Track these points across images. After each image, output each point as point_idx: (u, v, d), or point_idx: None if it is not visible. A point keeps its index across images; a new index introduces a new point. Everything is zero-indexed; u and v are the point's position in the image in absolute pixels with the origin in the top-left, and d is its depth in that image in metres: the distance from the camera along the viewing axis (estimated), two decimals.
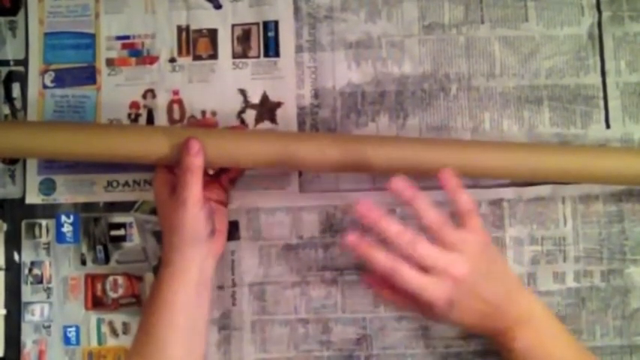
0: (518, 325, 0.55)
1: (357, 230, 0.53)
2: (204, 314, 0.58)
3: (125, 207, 0.66)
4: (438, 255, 0.53)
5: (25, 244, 0.66)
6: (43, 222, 0.66)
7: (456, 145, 0.61)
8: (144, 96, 0.67)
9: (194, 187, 0.55)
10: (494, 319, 0.55)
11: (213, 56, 0.67)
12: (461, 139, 0.65)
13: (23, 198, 0.66)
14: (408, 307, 0.57)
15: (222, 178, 0.63)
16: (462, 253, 0.53)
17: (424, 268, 0.52)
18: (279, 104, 0.66)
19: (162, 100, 0.67)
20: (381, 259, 0.53)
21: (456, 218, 0.55)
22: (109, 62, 0.68)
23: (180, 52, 0.67)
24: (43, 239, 0.66)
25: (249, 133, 0.63)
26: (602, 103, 0.65)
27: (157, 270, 0.65)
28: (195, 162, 0.56)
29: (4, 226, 0.66)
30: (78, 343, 0.65)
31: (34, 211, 0.66)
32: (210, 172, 0.62)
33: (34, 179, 0.66)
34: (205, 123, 0.65)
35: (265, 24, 0.67)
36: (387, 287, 0.56)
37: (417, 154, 0.59)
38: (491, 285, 0.54)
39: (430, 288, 0.52)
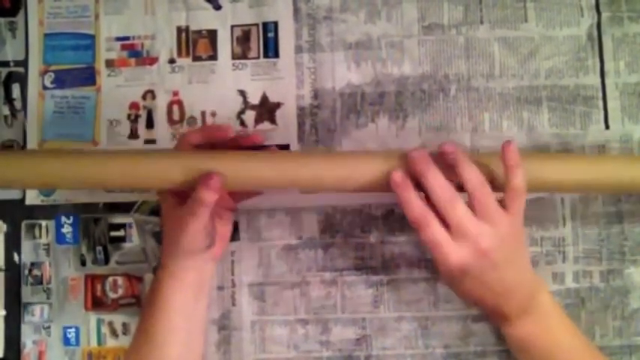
0: (522, 314, 0.55)
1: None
2: (202, 315, 0.58)
3: (125, 208, 0.66)
4: (473, 221, 0.52)
5: (25, 244, 0.66)
6: (43, 223, 0.66)
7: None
8: (144, 97, 0.67)
9: (202, 218, 0.54)
10: (500, 302, 0.55)
11: (213, 57, 0.67)
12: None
13: (23, 199, 0.66)
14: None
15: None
16: (495, 229, 0.53)
17: (453, 230, 0.52)
18: (278, 105, 0.67)
19: (161, 101, 0.67)
20: (418, 204, 0.53)
21: (503, 194, 0.54)
22: (109, 63, 0.68)
23: (179, 53, 0.67)
24: (43, 240, 0.66)
25: (266, 155, 0.58)
26: (601, 103, 0.65)
27: (156, 270, 0.65)
28: (211, 197, 0.54)
29: (4, 227, 0.66)
30: (78, 343, 0.65)
31: (34, 212, 0.66)
32: None
33: None
34: (220, 129, 0.60)
35: (265, 25, 0.67)
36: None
37: None
38: (510, 269, 0.54)
39: (452, 251, 0.52)
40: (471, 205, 0.53)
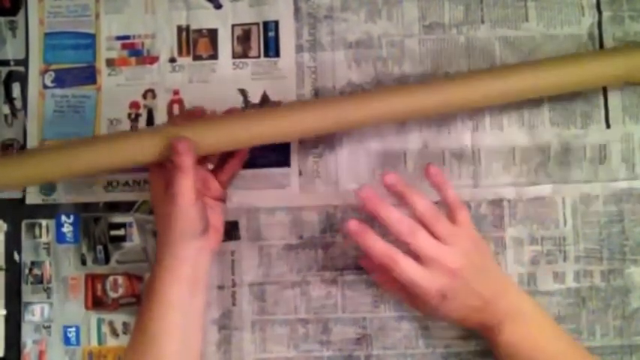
0: (507, 320, 0.55)
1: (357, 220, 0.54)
2: (199, 311, 0.58)
3: (125, 207, 0.66)
4: (436, 246, 0.53)
5: (26, 244, 0.66)
6: (43, 222, 0.66)
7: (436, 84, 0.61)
8: (144, 96, 0.67)
9: (184, 184, 0.54)
10: (484, 314, 0.55)
11: (214, 56, 0.67)
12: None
13: (23, 198, 0.66)
14: (403, 298, 0.58)
15: (220, 175, 0.62)
16: (456, 247, 0.54)
17: (421, 260, 0.53)
18: (279, 104, 0.66)
19: (162, 100, 0.67)
20: (380, 247, 0.54)
21: (446, 214, 0.56)
22: (109, 62, 0.68)
23: (180, 52, 0.67)
24: (43, 239, 0.66)
25: (234, 116, 0.61)
26: (602, 102, 0.65)
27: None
28: (184, 161, 0.54)
29: (5, 226, 0.66)
30: (78, 343, 0.65)
31: (34, 211, 0.66)
32: (210, 166, 0.62)
33: None
34: (191, 115, 0.61)
35: (265, 24, 0.67)
36: (386, 277, 0.57)
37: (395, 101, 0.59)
38: (483, 279, 0.55)
39: (425, 279, 0.53)
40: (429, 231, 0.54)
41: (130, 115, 0.67)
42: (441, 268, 0.53)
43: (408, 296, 0.58)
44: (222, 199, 0.62)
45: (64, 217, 0.66)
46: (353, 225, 0.54)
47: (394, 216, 0.54)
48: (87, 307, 0.66)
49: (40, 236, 0.66)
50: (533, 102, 0.65)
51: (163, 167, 0.58)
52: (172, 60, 0.67)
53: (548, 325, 0.57)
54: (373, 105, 0.58)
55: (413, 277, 0.53)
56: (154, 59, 0.67)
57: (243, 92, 0.67)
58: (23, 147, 0.67)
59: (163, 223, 0.57)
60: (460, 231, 0.55)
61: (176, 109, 0.67)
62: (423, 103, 0.59)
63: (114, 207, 0.66)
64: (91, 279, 0.66)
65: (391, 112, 0.59)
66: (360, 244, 0.54)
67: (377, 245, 0.54)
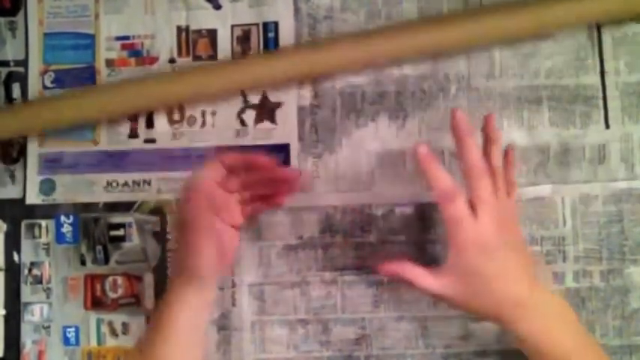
0: (524, 308, 0.53)
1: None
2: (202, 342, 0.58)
3: (125, 207, 0.66)
4: (494, 196, 0.54)
5: (25, 244, 0.66)
6: (43, 222, 0.66)
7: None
8: None
9: (204, 211, 0.55)
10: (511, 289, 0.54)
11: (213, 57, 0.67)
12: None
13: (23, 198, 0.66)
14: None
15: (245, 207, 0.61)
16: (507, 211, 0.55)
17: (475, 205, 0.53)
18: (279, 104, 0.67)
19: None
20: (445, 178, 0.53)
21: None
22: (109, 63, 0.68)
23: (179, 53, 0.67)
24: (43, 239, 0.66)
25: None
26: (601, 103, 0.65)
27: (155, 271, 0.65)
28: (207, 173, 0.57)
29: (4, 227, 0.66)
30: (77, 343, 0.65)
31: (33, 211, 0.66)
32: (238, 197, 0.60)
33: (34, 179, 0.66)
34: (286, 177, 0.62)
35: (265, 24, 0.67)
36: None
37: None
38: (510, 251, 0.54)
39: (474, 223, 0.53)
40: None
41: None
42: (491, 217, 0.53)
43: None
44: (238, 227, 0.60)
45: (63, 218, 0.66)
46: (423, 149, 0.54)
47: (473, 151, 0.54)
48: (86, 308, 0.66)
49: (40, 236, 0.66)
50: (533, 103, 0.65)
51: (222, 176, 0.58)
52: (172, 60, 0.67)
53: (568, 319, 0.55)
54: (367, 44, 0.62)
55: (461, 217, 0.53)
56: (153, 60, 0.67)
57: (242, 93, 0.67)
58: (23, 147, 0.67)
59: (180, 250, 0.57)
60: (511, 203, 0.57)
61: (176, 109, 0.67)
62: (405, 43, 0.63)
63: (113, 207, 0.66)
64: (91, 279, 0.66)
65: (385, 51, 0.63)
66: (426, 168, 0.54)
67: (443, 175, 0.53)
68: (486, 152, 0.56)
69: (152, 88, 0.64)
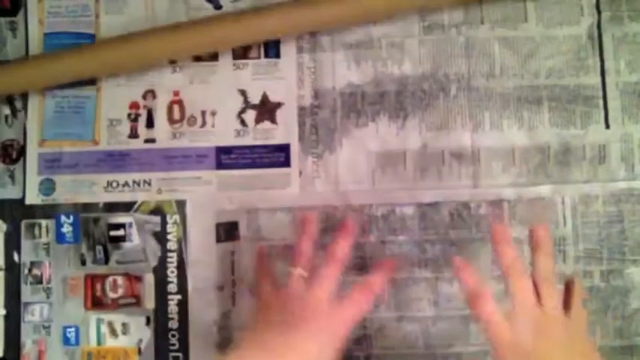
0: None
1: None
2: None
3: (125, 207, 0.66)
4: (530, 305, 0.52)
5: (25, 244, 0.66)
6: (43, 222, 0.66)
7: None
8: (144, 96, 0.67)
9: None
10: None
11: (214, 57, 0.67)
12: None
13: (23, 198, 0.66)
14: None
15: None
16: (546, 325, 0.51)
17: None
18: (279, 104, 0.67)
19: (162, 101, 0.67)
20: (474, 280, 0.53)
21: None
22: None
23: None
24: (43, 239, 0.66)
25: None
26: (601, 103, 0.65)
27: (155, 271, 0.65)
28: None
29: (4, 227, 0.66)
30: (77, 343, 0.65)
31: (33, 211, 0.66)
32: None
33: (33, 179, 0.66)
34: (346, 230, 0.60)
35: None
36: None
37: None
38: None
39: (497, 326, 0.51)
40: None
41: (129, 115, 0.67)
42: (529, 321, 0.51)
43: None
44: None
45: (63, 218, 0.66)
46: (458, 261, 0.55)
47: (510, 252, 0.54)
48: (86, 308, 0.66)
49: (40, 236, 0.66)
50: (533, 102, 0.65)
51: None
52: (173, 61, 0.67)
53: None
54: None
55: (494, 318, 0.51)
56: None
57: (243, 93, 0.67)
58: (23, 148, 0.67)
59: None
60: (565, 323, 0.52)
61: (176, 109, 0.67)
62: None
63: (113, 207, 0.66)
64: (91, 279, 0.66)
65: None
66: (461, 278, 0.54)
67: (471, 277, 0.54)
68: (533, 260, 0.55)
69: (151, 41, 0.64)
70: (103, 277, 0.66)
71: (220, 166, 0.66)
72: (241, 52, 0.67)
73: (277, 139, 0.66)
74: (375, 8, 0.63)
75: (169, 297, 0.65)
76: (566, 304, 0.54)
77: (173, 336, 0.65)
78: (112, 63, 0.64)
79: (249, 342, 0.53)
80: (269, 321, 0.54)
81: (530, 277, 0.53)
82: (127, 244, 0.66)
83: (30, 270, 0.66)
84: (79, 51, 0.65)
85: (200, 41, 0.64)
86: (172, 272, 0.65)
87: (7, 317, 0.66)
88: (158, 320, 0.65)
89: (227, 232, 0.65)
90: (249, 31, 0.64)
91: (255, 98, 0.67)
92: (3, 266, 0.66)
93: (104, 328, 0.65)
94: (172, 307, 0.65)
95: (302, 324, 0.53)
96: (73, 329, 0.65)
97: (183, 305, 0.65)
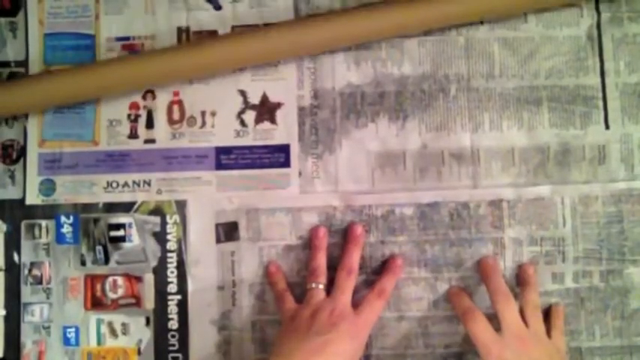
0: None
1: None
2: None
3: (125, 208, 0.66)
4: (518, 325, 0.59)
5: (25, 244, 0.66)
6: (43, 223, 0.66)
7: None
8: (144, 97, 0.67)
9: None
10: None
11: None
12: None
13: (23, 199, 0.66)
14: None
15: None
16: (532, 345, 0.59)
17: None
18: (279, 105, 0.67)
19: (162, 101, 0.67)
20: (466, 303, 0.62)
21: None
22: None
23: None
24: (43, 240, 0.66)
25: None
26: (601, 103, 0.65)
27: (155, 271, 0.65)
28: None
29: (4, 227, 0.66)
30: (77, 343, 0.65)
31: (33, 211, 0.66)
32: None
33: (33, 180, 0.66)
34: (356, 240, 0.64)
35: (266, 25, 0.67)
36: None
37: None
38: None
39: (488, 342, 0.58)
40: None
41: (129, 115, 0.67)
42: (514, 336, 0.58)
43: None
44: None
45: (63, 218, 0.66)
46: (454, 289, 0.64)
47: (498, 280, 0.61)
48: (86, 308, 0.66)
49: (40, 237, 0.66)
50: (532, 103, 0.65)
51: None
52: None
53: None
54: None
55: (485, 335, 0.59)
56: None
57: (243, 93, 0.67)
58: (23, 148, 0.67)
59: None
60: (547, 344, 0.60)
61: (176, 110, 0.67)
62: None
63: (113, 207, 0.66)
64: (91, 279, 0.66)
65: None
66: (453, 302, 0.63)
67: (463, 298, 0.62)
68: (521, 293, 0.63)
69: (153, 64, 0.64)
70: (103, 278, 0.66)
71: (220, 166, 0.66)
72: None
73: (277, 140, 0.66)
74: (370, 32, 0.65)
75: (169, 297, 0.65)
76: (548, 329, 0.62)
77: (173, 336, 0.65)
78: (112, 85, 0.64)
79: (289, 349, 0.57)
80: (301, 331, 0.58)
81: (516, 302, 0.60)
82: (126, 245, 0.66)
83: (30, 270, 0.66)
84: (80, 71, 0.65)
85: (199, 64, 0.64)
86: (172, 272, 0.65)
87: (7, 318, 0.66)
88: (158, 320, 0.65)
89: (227, 232, 0.65)
90: (253, 54, 0.64)
91: (254, 98, 0.67)
92: (3, 267, 0.66)
93: (104, 329, 0.65)
94: (172, 307, 0.65)
95: (333, 329, 0.57)
96: (73, 329, 0.65)
97: (183, 305, 0.65)
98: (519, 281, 0.63)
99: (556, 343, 0.61)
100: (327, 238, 0.64)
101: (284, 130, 0.66)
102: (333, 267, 0.63)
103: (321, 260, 0.62)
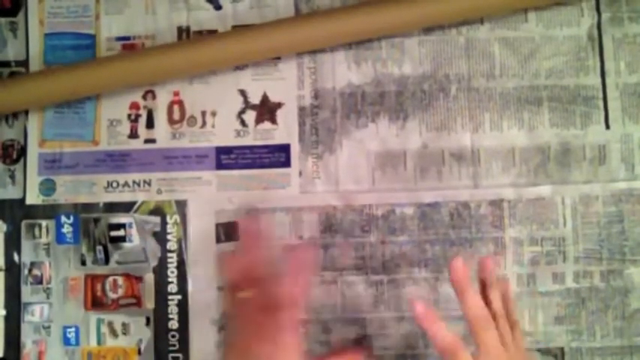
0: None
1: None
2: None
3: (125, 207, 0.66)
4: (502, 349, 0.53)
5: (25, 244, 0.66)
6: (43, 222, 0.66)
7: None
8: (144, 97, 0.67)
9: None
10: None
11: None
12: None
13: (23, 198, 0.66)
14: None
15: None
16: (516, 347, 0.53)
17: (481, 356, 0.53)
18: (279, 105, 0.67)
19: (162, 101, 0.67)
20: (446, 335, 0.53)
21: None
22: None
23: None
24: (43, 240, 0.66)
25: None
26: (601, 103, 0.65)
27: (156, 271, 0.65)
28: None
29: (4, 227, 0.66)
30: (77, 343, 0.65)
31: (34, 211, 0.66)
32: None
33: (34, 179, 0.66)
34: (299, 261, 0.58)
35: None
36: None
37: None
38: None
39: None
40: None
41: (129, 115, 0.67)
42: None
43: None
44: None
45: (63, 218, 0.66)
46: (420, 308, 0.54)
47: (475, 303, 0.53)
48: (86, 308, 0.65)
49: (40, 237, 0.66)
50: (533, 103, 0.65)
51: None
52: None
53: None
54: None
55: None
56: None
57: (243, 93, 0.67)
58: (24, 148, 0.67)
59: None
60: (517, 349, 0.54)
61: (176, 110, 0.67)
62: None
63: (113, 207, 0.66)
64: (91, 279, 0.66)
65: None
66: (426, 328, 0.54)
67: (444, 333, 0.53)
68: (485, 297, 0.55)
69: (152, 60, 0.64)
70: (103, 278, 0.66)
71: (220, 166, 0.66)
72: None
73: (277, 140, 0.66)
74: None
75: (169, 297, 0.65)
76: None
77: (173, 336, 0.65)
78: (112, 82, 0.64)
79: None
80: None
81: (492, 325, 0.53)
82: (127, 245, 0.66)
83: (30, 270, 0.66)
84: (80, 68, 0.64)
85: (200, 60, 0.64)
86: (172, 272, 0.65)
87: (7, 317, 0.66)
88: (158, 320, 0.65)
89: (227, 232, 0.65)
90: (251, 50, 0.64)
91: (255, 98, 0.67)
92: (3, 266, 0.66)
93: (104, 329, 0.65)
94: (172, 307, 0.65)
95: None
96: (73, 329, 0.65)
97: (183, 305, 0.65)
98: (478, 280, 0.56)
99: (518, 344, 0.55)
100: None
101: (284, 130, 0.66)
102: (333, 267, 0.63)
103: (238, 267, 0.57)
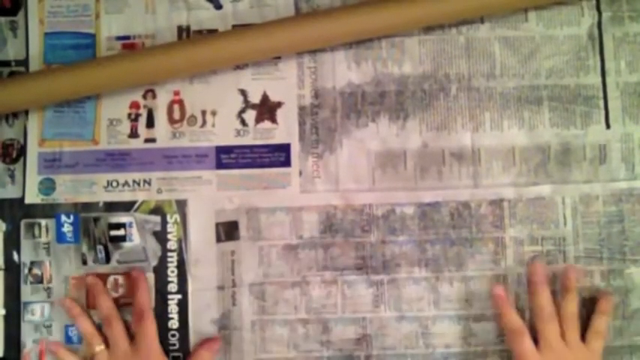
0: None
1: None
2: None
3: (125, 207, 0.66)
4: (560, 343, 0.60)
5: (25, 244, 0.66)
6: (43, 222, 0.66)
7: None
8: (144, 96, 0.67)
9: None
10: None
11: None
12: None
13: (23, 198, 0.66)
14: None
15: None
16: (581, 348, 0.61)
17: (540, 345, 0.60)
18: (279, 104, 0.67)
19: (162, 100, 0.67)
20: (516, 318, 0.62)
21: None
22: None
23: None
24: (43, 239, 0.66)
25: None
26: (602, 103, 0.65)
27: (156, 271, 0.65)
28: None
29: (4, 226, 0.66)
30: (79, 342, 0.65)
31: (33, 210, 0.66)
32: None
33: (33, 179, 0.66)
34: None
35: None
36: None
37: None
38: None
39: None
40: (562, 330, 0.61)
41: (130, 115, 0.67)
42: (555, 357, 0.59)
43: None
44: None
45: (64, 217, 0.66)
46: (499, 290, 0.63)
47: (544, 295, 0.61)
48: (87, 307, 0.65)
49: (40, 236, 0.66)
50: (533, 103, 0.65)
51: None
52: None
53: None
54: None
55: (528, 353, 0.60)
56: None
57: (243, 92, 0.67)
58: (23, 147, 0.67)
59: None
60: (582, 354, 0.60)
61: (176, 109, 0.67)
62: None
63: (114, 207, 0.66)
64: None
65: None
66: (500, 308, 0.62)
67: (513, 317, 0.62)
68: (561, 300, 0.62)
69: (152, 59, 0.64)
70: (104, 277, 0.66)
71: (220, 165, 0.66)
72: None
73: (277, 139, 0.66)
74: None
75: (169, 296, 0.65)
76: (587, 330, 0.62)
77: (173, 335, 0.65)
78: (112, 81, 0.64)
79: None
80: None
81: (556, 320, 0.61)
82: (127, 244, 0.66)
83: (30, 270, 0.66)
84: (80, 67, 0.64)
85: (200, 59, 0.64)
86: (172, 272, 0.65)
87: (6, 317, 0.65)
88: (158, 320, 0.65)
89: (227, 232, 0.65)
90: (252, 49, 0.64)
91: (255, 98, 0.67)
92: (3, 266, 0.66)
93: None
94: (172, 307, 0.65)
95: None
96: (74, 328, 0.65)
97: (183, 305, 0.65)
98: (560, 284, 0.63)
99: (591, 347, 0.61)
100: (107, 304, 0.64)
101: (284, 130, 0.66)
102: (333, 267, 0.64)
103: (86, 325, 0.64)
